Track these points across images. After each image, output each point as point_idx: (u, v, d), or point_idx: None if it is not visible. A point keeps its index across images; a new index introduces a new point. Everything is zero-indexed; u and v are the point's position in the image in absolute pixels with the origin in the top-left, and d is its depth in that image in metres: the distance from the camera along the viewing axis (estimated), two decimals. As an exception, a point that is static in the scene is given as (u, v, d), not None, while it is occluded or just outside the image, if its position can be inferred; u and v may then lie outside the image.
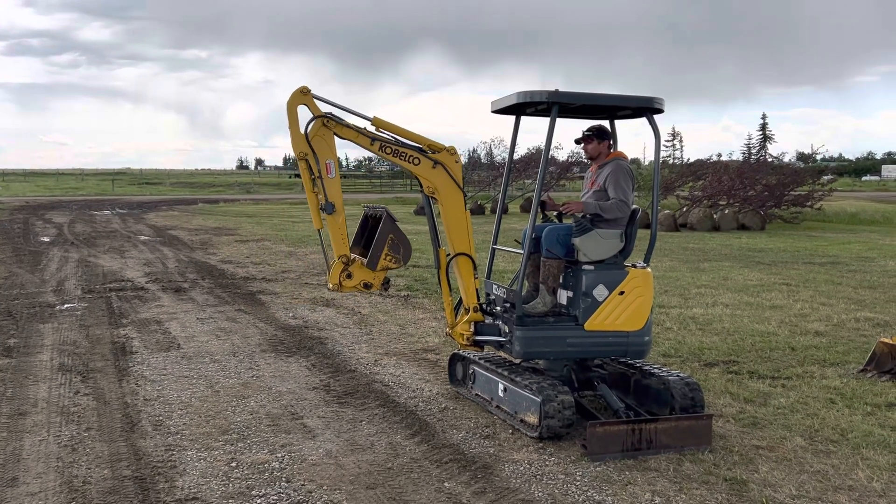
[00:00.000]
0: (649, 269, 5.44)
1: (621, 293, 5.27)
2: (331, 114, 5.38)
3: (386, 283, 5.62)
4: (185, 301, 10.11)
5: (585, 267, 5.29)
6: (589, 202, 5.45)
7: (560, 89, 5.17)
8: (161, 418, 5.44)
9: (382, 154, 5.45)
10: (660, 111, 5.51)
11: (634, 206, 5.51)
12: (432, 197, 5.57)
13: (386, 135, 5.45)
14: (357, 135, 5.40)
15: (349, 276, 5.46)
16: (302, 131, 5.32)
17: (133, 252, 15.92)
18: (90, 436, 5.08)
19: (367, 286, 5.48)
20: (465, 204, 5.61)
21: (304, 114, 5.36)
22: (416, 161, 5.42)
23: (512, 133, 6.16)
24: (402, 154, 5.42)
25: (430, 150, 5.48)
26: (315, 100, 5.35)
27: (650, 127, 5.56)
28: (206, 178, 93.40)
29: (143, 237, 19.52)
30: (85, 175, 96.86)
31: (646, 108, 5.46)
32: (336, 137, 5.42)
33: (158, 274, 12.59)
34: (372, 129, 5.45)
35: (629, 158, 5.72)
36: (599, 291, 5.26)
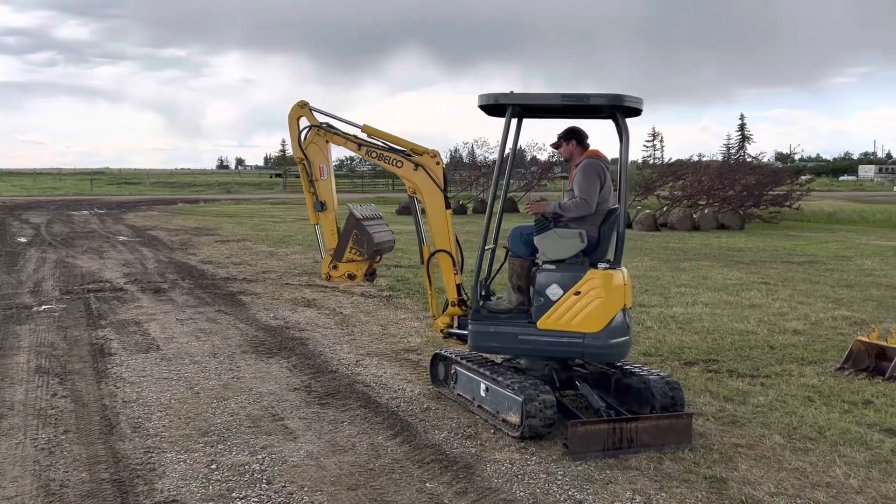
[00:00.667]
0: (617, 270, 5.25)
1: (577, 293, 5.16)
2: (326, 124, 6.05)
3: (371, 275, 6.22)
4: (164, 302, 10.03)
5: (545, 266, 5.32)
6: (551, 202, 5.55)
7: (514, 91, 5.32)
8: (140, 420, 5.39)
9: (370, 158, 5.97)
10: (630, 109, 5.32)
11: (614, 206, 5.47)
12: (414, 197, 5.88)
13: (374, 140, 5.93)
14: (346, 141, 6.01)
15: (335, 267, 6.08)
16: (298, 140, 6.05)
17: (112, 253, 15.77)
18: (68, 438, 5.03)
19: (352, 276, 6.08)
20: (448, 203, 5.80)
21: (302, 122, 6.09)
22: (399, 164, 5.82)
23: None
24: (386, 158, 5.88)
25: (412, 154, 5.82)
26: (312, 111, 6.06)
27: (616, 126, 5.37)
28: (185, 178, 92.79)
29: (122, 237, 19.34)
30: (63, 175, 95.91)
31: (615, 107, 5.23)
32: (332, 144, 6.11)
33: (138, 275, 12.48)
34: (363, 135, 5.97)
35: (608, 158, 5.72)
36: (553, 291, 5.24)
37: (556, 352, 5.34)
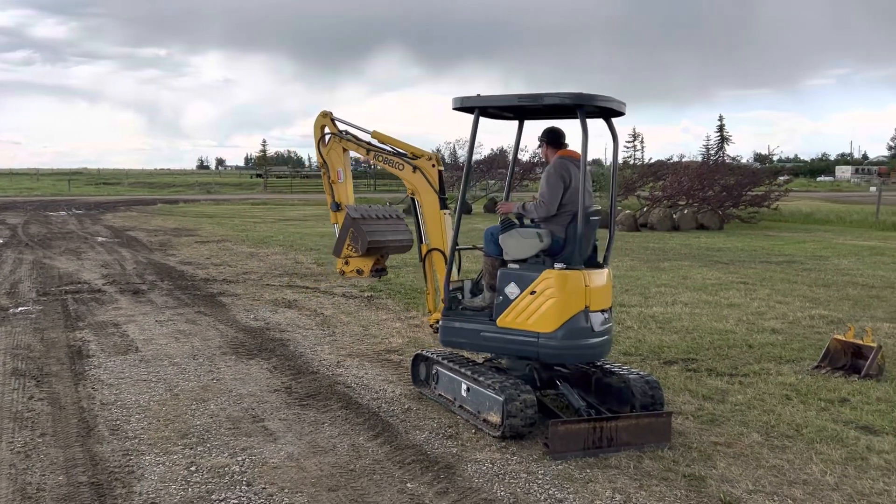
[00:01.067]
0: (576, 271, 5.15)
1: (532, 293, 5.18)
2: (344, 131, 6.63)
3: (378, 272, 6.69)
4: (143, 303, 9.95)
5: (510, 265, 5.38)
6: (517, 203, 5.67)
7: (481, 94, 5.51)
8: (118, 423, 5.35)
9: (377, 162, 6.43)
10: (593, 108, 5.25)
11: (591, 206, 5.39)
12: (414, 198, 6.19)
13: (381, 146, 6.40)
14: (358, 147, 6.59)
15: (347, 263, 6.64)
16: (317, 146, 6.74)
17: (90, 253, 15.61)
18: (44, 441, 4.97)
19: (360, 272, 6.62)
20: (444, 204, 6.09)
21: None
22: (401, 167, 6.21)
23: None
24: (390, 161, 6.31)
25: (413, 157, 6.17)
26: (334, 121, 6.68)
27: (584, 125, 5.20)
28: (165, 178, 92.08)
29: (100, 238, 19.16)
30: (40, 175, 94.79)
31: (576, 106, 5.13)
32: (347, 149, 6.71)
33: (116, 276, 12.37)
34: (375, 141, 6.50)
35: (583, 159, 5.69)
36: (511, 289, 5.29)
37: (512, 350, 5.38)
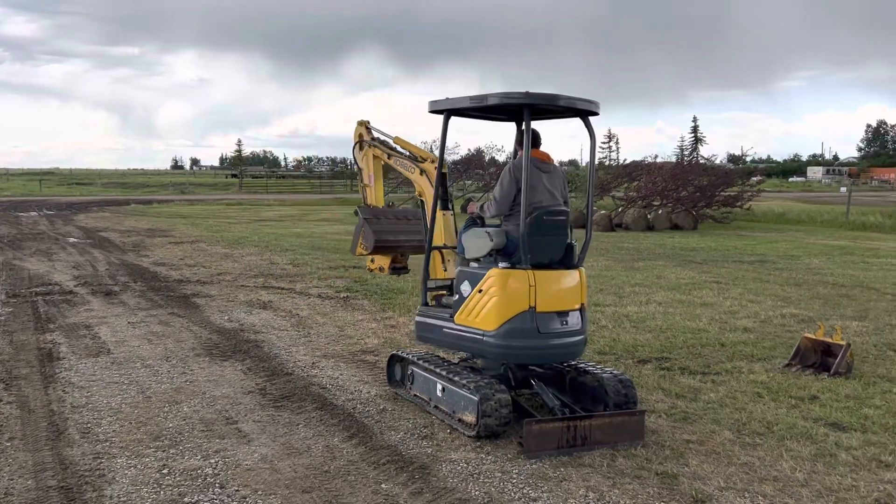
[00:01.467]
0: (520, 270, 5.14)
1: (480, 291, 5.26)
2: (376, 139, 6.94)
3: (397, 270, 6.95)
4: (115, 305, 9.84)
5: (472, 264, 5.45)
6: (479, 203, 5.80)
7: (449, 97, 5.62)
8: (89, 426, 5.28)
9: (394, 164, 6.72)
10: (539, 108, 5.25)
11: (552, 206, 5.35)
12: (421, 199, 6.37)
13: (402, 151, 6.70)
14: (382, 153, 6.88)
15: (372, 260, 7.00)
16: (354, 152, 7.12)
17: (61, 255, 15.40)
18: (13, 445, 4.90)
19: (381, 269, 6.98)
20: (445, 205, 6.21)
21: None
22: (412, 170, 6.44)
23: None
24: (405, 165, 6.56)
25: (421, 160, 6.38)
26: (369, 130, 7.01)
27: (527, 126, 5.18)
28: (138, 178, 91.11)
29: (72, 239, 18.91)
30: (10, 175, 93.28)
31: (524, 105, 5.11)
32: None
33: (88, 277, 12.21)
34: (398, 147, 6.75)
35: (553, 160, 5.69)
36: (465, 287, 5.41)
37: (464, 347, 5.49)
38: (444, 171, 6.11)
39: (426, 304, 5.93)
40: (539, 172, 5.40)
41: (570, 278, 5.38)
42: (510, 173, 5.39)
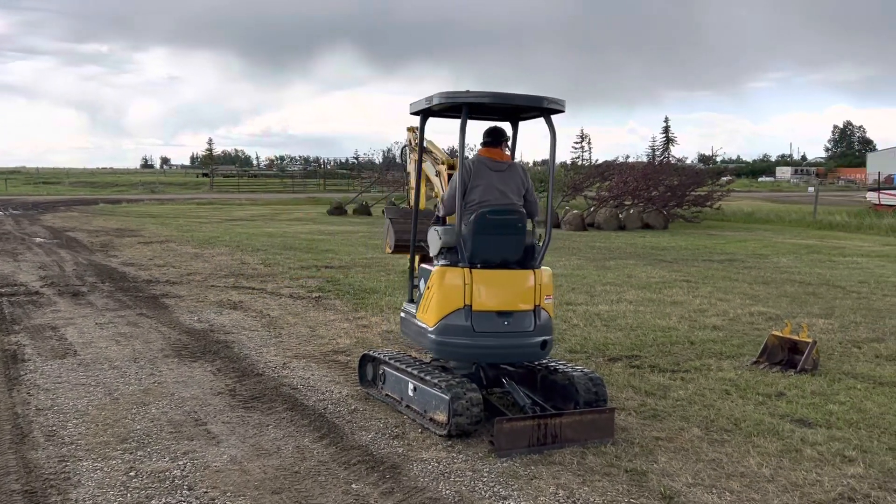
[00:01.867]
0: (456, 268, 5.20)
1: (428, 288, 5.41)
2: (418, 143, 6.86)
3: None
4: (83, 306, 9.69)
5: (435, 261, 5.55)
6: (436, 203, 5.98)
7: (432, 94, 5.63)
8: (55, 428, 5.20)
9: (424, 168, 6.68)
10: (476, 105, 5.29)
11: (503, 207, 5.33)
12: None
13: (434, 153, 6.75)
14: (417, 156, 6.83)
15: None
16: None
17: (27, 255, 15.14)
18: (-24, 449, 4.80)
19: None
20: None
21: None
22: (432, 172, 6.58)
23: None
24: (428, 167, 6.66)
25: (441, 163, 6.42)
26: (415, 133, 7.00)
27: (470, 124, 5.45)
28: (107, 178, 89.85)
29: (38, 239, 18.59)
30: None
31: (460, 105, 5.25)
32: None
33: (55, 277, 12.02)
34: (435, 152, 6.78)
35: (509, 158, 5.68)
36: (423, 284, 5.55)
37: (420, 342, 5.60)
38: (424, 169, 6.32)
39: (411, 301, 5.99)
40: (489, 171, 5.42)
41: (520, 278, 5.32)
42: (460, 173, 5.37)
